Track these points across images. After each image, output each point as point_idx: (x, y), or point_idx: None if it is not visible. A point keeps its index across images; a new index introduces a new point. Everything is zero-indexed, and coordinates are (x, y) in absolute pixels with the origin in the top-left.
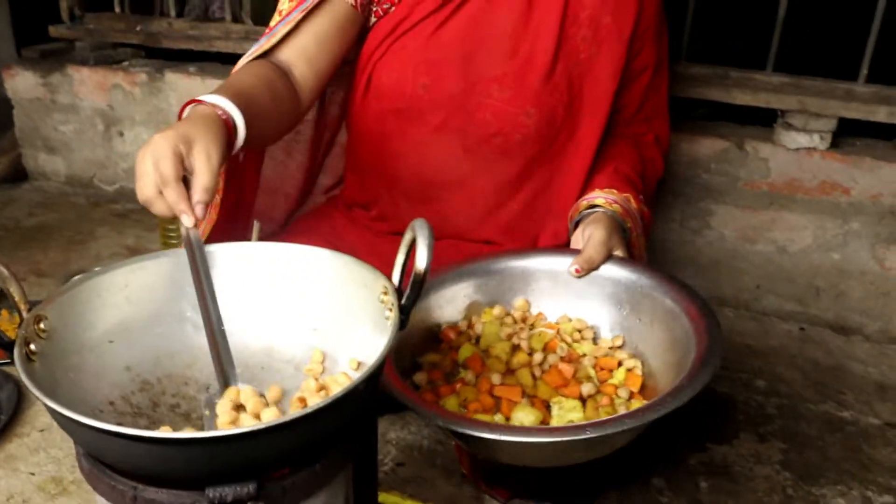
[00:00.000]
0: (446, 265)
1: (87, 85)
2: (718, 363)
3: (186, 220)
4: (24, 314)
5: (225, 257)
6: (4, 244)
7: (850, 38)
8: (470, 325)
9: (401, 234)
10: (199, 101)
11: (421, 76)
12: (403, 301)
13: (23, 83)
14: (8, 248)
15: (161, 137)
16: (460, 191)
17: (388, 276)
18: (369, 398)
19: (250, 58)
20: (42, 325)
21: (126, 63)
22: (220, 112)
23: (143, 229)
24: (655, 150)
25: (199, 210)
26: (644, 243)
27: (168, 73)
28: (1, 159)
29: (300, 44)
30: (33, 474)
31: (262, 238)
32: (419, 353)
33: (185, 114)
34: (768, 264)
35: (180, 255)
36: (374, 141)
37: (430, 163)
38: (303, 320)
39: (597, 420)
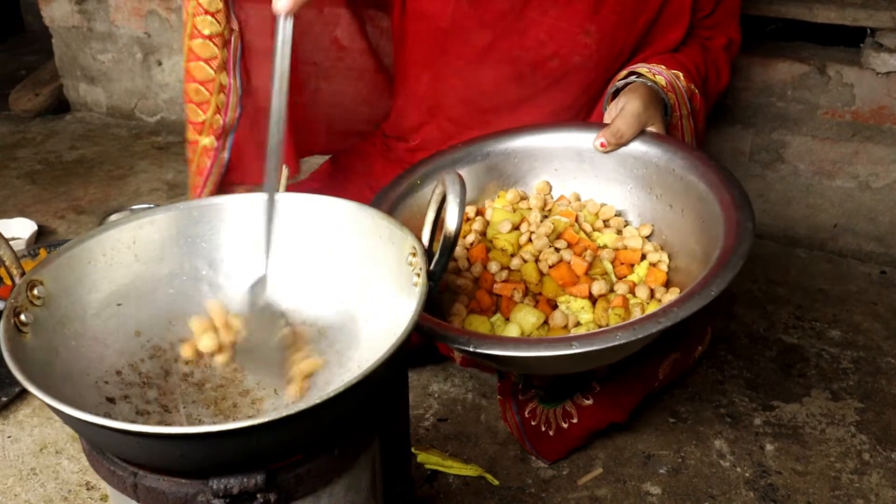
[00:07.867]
0: (457, 142)
1: (123, 11)
2: (739, 266)
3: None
4: (17, 280)
5: (245, 209)
6: (46, 179)
7: None
8: (479, 212)
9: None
10: None
11: None
12: (433, 266)
13: (59, 10)
14: (49, 184)
15: None
16: (510, 118)
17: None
18: (395, 372)
19: None
20: (36, 292)
21: None
22: None
23: (183, 163)
24: (723, 57)
25: None
26: (692, 129)
27: None
28: (42, 90)
29: None
30: None
31: (292, 179)
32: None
33: None
34: (848, 201)
35: (192, 208)
36: (416, 65)
37: (475, 89)
38: (327, 279)
39: (585, 333)
